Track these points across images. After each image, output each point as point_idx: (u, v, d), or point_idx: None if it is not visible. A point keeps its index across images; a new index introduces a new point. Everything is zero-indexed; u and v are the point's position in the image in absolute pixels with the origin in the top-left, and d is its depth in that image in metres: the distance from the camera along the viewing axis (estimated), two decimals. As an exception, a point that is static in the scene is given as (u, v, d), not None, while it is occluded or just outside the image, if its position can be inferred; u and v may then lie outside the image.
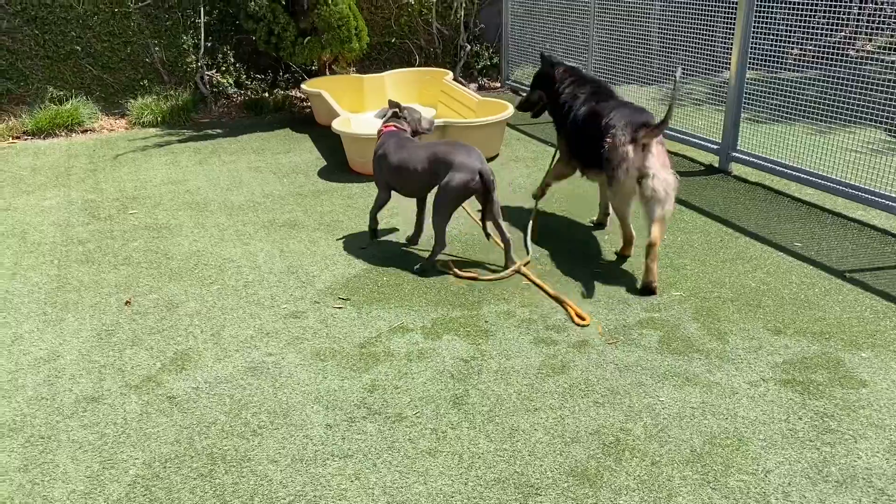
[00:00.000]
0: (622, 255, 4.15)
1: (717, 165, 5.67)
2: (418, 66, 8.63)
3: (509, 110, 6.10)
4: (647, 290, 3.69)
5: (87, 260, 4.32)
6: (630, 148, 3.74)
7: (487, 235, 4.13)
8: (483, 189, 3.85)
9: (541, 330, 3.40)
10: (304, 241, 4.50)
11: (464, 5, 8.70)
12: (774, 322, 3.41)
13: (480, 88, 8.68)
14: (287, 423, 2.79)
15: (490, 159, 6.06)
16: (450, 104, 7.19)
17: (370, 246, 4.37)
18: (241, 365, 3.18)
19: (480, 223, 4.09)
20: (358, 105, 7.35)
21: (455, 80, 7.86)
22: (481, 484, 2.45)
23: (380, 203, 4.33)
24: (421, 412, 2.84)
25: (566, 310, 3.60)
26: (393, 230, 4.62)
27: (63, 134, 7.22)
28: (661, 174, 3.76)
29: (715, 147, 5.66)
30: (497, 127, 6.09)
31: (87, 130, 7.34)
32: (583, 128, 4.13)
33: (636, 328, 3.39)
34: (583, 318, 3.49)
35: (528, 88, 4.80)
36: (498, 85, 8.85)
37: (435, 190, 3.98)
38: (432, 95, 7.50)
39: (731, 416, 2.76)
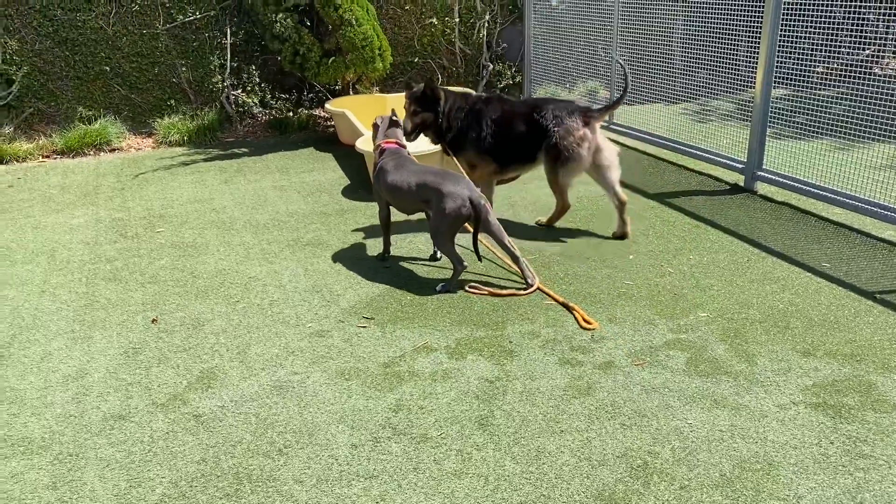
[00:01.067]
0: (548, 225, 4.94)
1: (742, 184, 5.63)
2: (441, 84, 8.67)
3: (532, 129, 6.10)
4: (622, 237, 4.68)
5: (114, 278, 4.37)
6: (587, 130, 4.56)
7: (479, 258, 4.15)
8: (475, 215, 3.92)
9: (566, 350, 3.38)
10: (328, 260, 4.52)
11: (486, 25, 8.76)
12: (804, 344, 3.37)
13: (503, 107, 8.69)
14: (312, 443, 2.79)
15: (512, 178, 6.06)
16: (472, 123, 7.21)
17: (394, 265, 4.38)
18: (267, 384, 3.19)
19: (472, 247, 4.09)
20: (381, 124, 7.39)
21: (478, 99, 7.90)
22: (507, 507, 2.43)
23: (382, 219, 4.38)
24: (446, 433, 2.82)
25: (574, 315, 3.67)
26: (410, 249, 4.63)
27: (91, 153, 7.34)
28: (609, 146, 4.69)
29: (740, 166, 5.62)
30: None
31: (115, 149, 7.45)
32: (503, 130, 4.68)
33: (663, 349, 3.36)
34: (590, 323, 3.59)
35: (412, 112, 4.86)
36: (520, 104, 8.86)
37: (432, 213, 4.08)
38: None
39: (760, 439, 2.72)
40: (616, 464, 2.61)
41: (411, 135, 4.79)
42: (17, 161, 7.09)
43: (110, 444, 2.82)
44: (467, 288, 4.00)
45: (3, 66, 7.21)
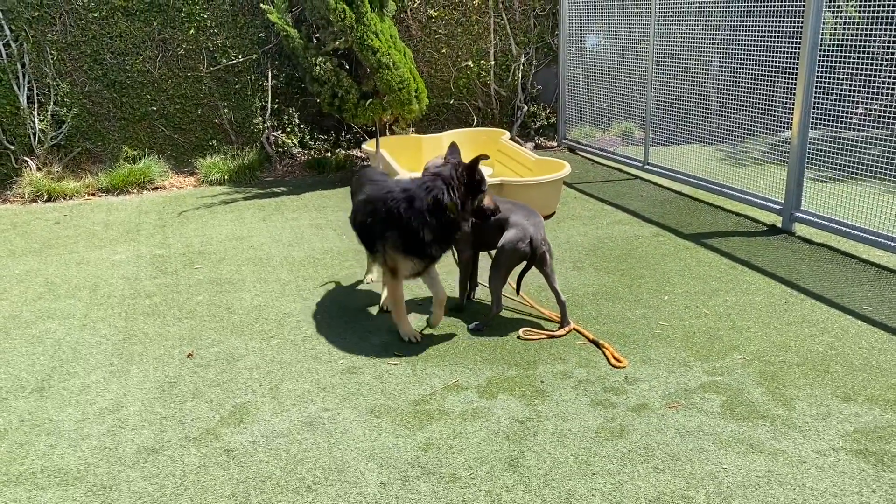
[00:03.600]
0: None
1: (779, 226, 5.56)
2: (475, 126, 8.78)
3: (566, 169, 6.13)
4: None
5: (153, 313, 4.46)
6: None
7: (518, 291, 4.15)
8: (531, 253, 3.89)
9: (598, 392, 3.34)
10: (361, 297, 4.55)
11: (521, 68, 8.87)
12: (844, 388, 3.28)
13: (537, 147, 8.76)
14: (341, 480, 2.78)
15: (547, 217, 6.08)
16: (507, 163, 7.27)
17: (425, 302, 4.39)
18: (298, 419, 3.21)
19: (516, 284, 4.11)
20: (417, 164, 7.48)
21: (512, 139, 7.97)
22: (537, 550, 2.39)
23: (465, 261, 4.30)
24: (475, 473, 2.80)
25: (603, 352, 3.66)
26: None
27: (135, 191, 7.54)
28: None
29: (778, 207, 5.55)
30: (554, 185, 6.12)
31: (157, 188, 7.65)
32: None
33: (698, 392, 3.30)
34: (619, 361, 3.58)
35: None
36: (554, 144, 8.92)
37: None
38: (489, 154, 7.59)
39: (798, 486, 2.64)
40: (649, 508, 2.56)
41: None
42: (65, 198, 7.32)
43: (143, 478, 2.85)
44: (522, 334, 3.96)
45: (55, 107, 7.50)
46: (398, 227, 3.68)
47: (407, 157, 7.41)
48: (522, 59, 8.87)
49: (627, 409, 3.20)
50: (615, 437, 2.99)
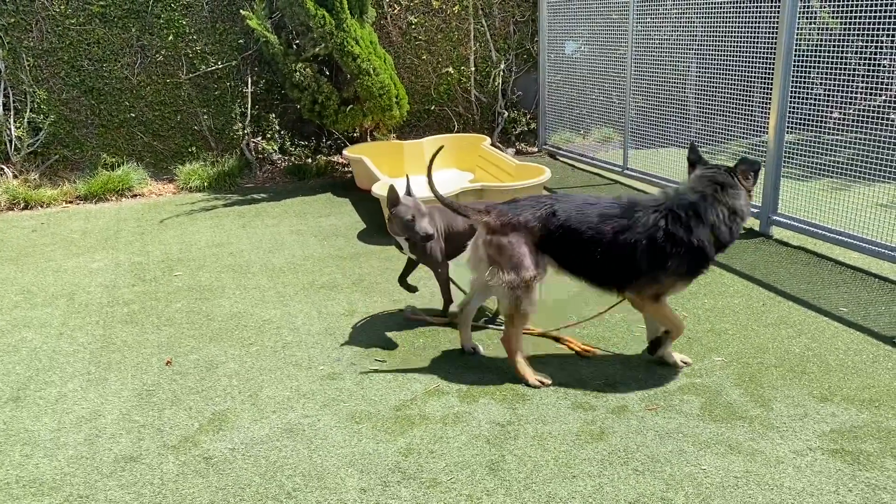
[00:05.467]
0: None
1: (757, 229, 5.61)
2: (456, 132, 8.80)
3: (546, 174, 6.16)
4: None
5: (131, 321, 4.41)
6: None
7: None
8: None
9: (578, 395, 3.35)
10: (342, 303, 4.54)
11: (501, 74, 8.90)
12: (821, 389, 3.32)
13: (518, 153, 8.79)
14: (321, 487, 2.77)
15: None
16: (486, 168, 7.29)
17: (407, 308, 4.39)
18: (278, 426, 3.19)
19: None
20: (398, 170, 7.48)
21: (493, 145, 7.99)
22: (517, 553, 2.39)
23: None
24: (456, 477, 2.79)
25: (569, 347, 3.81)
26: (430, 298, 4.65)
27: (114, 198, 7.48)
28: None
29: (755, 210, 5.61)
30: (533, 191, 6.13)
31: (136, 195, 7.59)
32: None
33: (677, 394, 3.32)
34: (588, 350, 3.73)
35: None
36: (535, 150, 8.96)
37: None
38: (471, 160, 7.62)
39: (776, 486, 2.66)
40: (628, 510, 2.57)
41: None
42: (42, 206, 7.24)
43: (120, 487, 2.82)
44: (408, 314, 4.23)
45: (31, 114, 7.42)
46: (686, 247, 3.26)
47: (388, 164, 7.40)
48: (502, 66, 8.90)
49: (607, 411, 3.21)
50: (595, 440, 3.00)
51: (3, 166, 7.35)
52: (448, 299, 4.25)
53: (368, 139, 8.14)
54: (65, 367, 3.83)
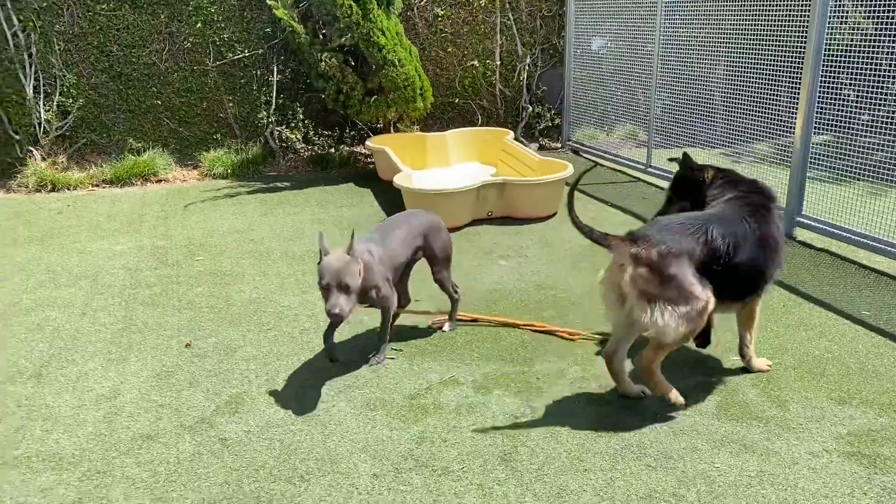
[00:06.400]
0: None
1: (781, 230, 5.55)
2: (480, 125, 8.79)
3: (568, 170, 6.13)
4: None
5: (152, 303, 4.47)
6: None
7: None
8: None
9: (594, 389, 3.35)
10: (360, 292, 4.56)
11: (527, 69, 8.87)
12: (839, 392, 3.28)
13: (541, 149, 8.76)
14: (334, 471, 2.79)
15: (548, 217, 6.08)
16: (509, 162, 7.28)
17: (423, 299, 4.40)
18: (293, 410, 3.22)
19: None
20: (420, 162, 7.50)
21: (516, 139, 7.97)
22: (526, 543, 2.40)
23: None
24: (468, 466, 2.81)
25: (559, 336, 3.87)
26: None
27: (139, 183, 7.56)
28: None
29: (779, 211, 5.54)
30: (555, 185, 6.12)
31: (161, 180, 7.67)
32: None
33: (693, 392, 3.30)
34: (574, 335, 3.83)
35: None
36: (558, 145, 8.92)
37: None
38: (493, 154, 7.61)
39: (790, 486, 2.64)
40: (639, 505, 2.57)
41: None
42: (69, 189, 7.34)
43: (137, 464, 2.86)
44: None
45: (60, 98, 7.53)
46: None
47: (411, 155, 7.41)
48: (528, 60, 8.87)
49: (621, 406, 3.20)
50: (608, 434, 2.99)
51: (32, 149, 7.46)
52: (385, 338, 3.72)
53: (392, 130, 8.15)
54: (86, 347, 3.89)
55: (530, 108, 8.96)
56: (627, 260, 2.98)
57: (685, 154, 3.70)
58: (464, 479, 2.73)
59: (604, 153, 8.09)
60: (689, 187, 3.56)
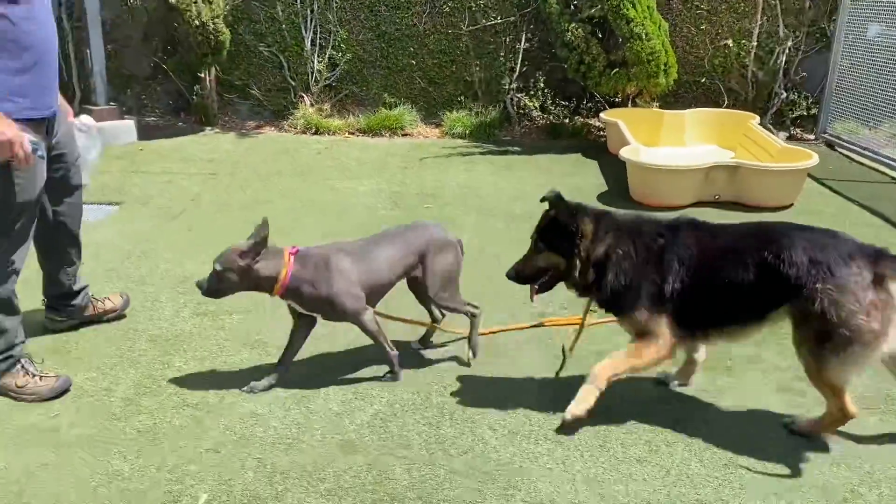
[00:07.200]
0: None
1: None
2: (725, 107, 8.40)
3: (813, 159, 5.74)
4: None
5: (382, 238, 4.98)
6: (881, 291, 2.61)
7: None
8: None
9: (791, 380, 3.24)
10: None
11: (787, 52, 8.29)
12: None
13: (790, 138, 8.18)
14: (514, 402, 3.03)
15: (782, 208, 5.76)
16: (749, 147, 6.93)
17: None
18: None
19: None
20: (654, 139, 7.38)
21: (761, 125, 7.54)
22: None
23: None
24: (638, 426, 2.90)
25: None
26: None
27: (387, 135, 8.29)
28: None
29: None
30: (793, 175, 5.77)
31: (406, 134, 8.34)
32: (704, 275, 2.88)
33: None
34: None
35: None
36: (812, 137, 8.28)
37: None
38: (734, 138, 7.28)
39: None
40: (812, 495, 2.49)
41: (536, 290, 3.29)
42: (328, 133, 8.25)
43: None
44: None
45: (332, 51, 8.43)
46: None
47: (644, 132, 7.31)
48: (789, 43, 8.27)
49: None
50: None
51: (303, 94, 8.46)
52: (390, 357, 3.25)
53: (629, 105, 8.10)
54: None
55: (784, 95, 8.38)
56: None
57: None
58: (633, 433, 2.83)
59: (864, 150, 7.38)
60: None
